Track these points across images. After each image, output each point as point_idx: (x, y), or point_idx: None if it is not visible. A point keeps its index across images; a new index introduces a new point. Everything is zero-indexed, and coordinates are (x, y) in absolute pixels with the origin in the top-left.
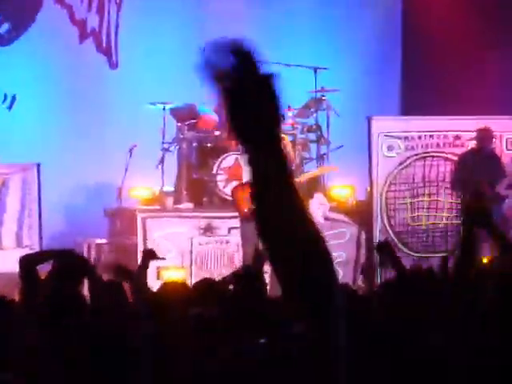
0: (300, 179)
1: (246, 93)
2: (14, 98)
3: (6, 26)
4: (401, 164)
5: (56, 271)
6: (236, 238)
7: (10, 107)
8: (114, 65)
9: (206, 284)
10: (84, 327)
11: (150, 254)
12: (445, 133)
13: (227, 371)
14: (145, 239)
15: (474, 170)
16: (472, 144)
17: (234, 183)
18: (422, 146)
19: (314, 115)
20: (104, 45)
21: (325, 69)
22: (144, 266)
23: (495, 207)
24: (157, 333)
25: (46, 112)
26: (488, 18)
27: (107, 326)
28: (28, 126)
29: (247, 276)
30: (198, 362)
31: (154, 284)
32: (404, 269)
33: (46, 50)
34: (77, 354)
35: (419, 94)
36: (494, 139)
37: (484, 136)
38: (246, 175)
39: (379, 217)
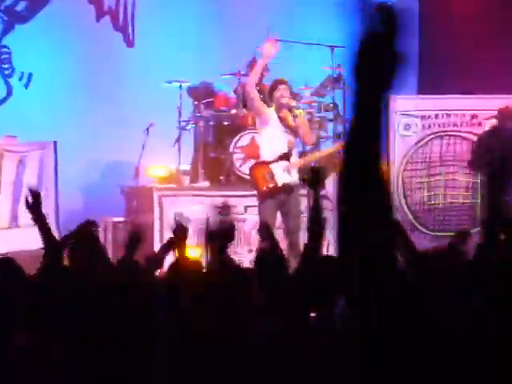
0: (317, 155)
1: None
2: (30, 76)
3: (22, 4)
4: (417, 143)
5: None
6: (252, 216)
7: (26, 85)
8: (130, 43)
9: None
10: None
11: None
12: (462, 112)
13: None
14: (161, 217)
15: (494, 151)
16: (491, 123)
17: (251, 161)
18: (438, 125)
19: (331, 94)
20: (121, 23)
21: (342, 47)
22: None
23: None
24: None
25: (62, 90)
26: None
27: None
28: (45, 104)
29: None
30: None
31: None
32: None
33: (63, 28)
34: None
35: (436, 73)
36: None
37: (505, 115)
38: (264, 153)
39: (396, 195)
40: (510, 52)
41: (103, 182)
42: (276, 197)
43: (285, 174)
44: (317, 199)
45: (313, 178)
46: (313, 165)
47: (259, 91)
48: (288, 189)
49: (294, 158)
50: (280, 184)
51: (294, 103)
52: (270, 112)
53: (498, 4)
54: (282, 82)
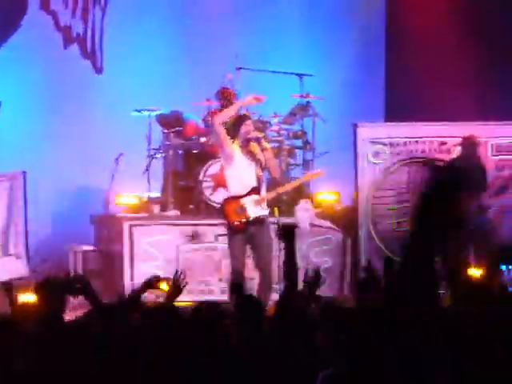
0: (286, 187)
1: None
2: None
3: None
4: (386, 170)
5: None
6: (223, 245)
7: None
8: (99, 70)
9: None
10: None
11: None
12: (430, 138)
13: None
14: (131, 246)
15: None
16: (457, 150)
17: (221, 190)
18: (407, 152)
19: (300, 122)
20: (89, 50)
21: (310, 75)
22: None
23: (480, 219)
24: None
25: (31, 118)
26: (472, 25)
27: None
28: (14, 132)
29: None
30: None
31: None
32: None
33: (31, 56)
34: None
35: (404, 101)
36: (479, 146)
37: (469, 144)
38: (233, 188)
39: (365, 223)
40: (479, 81)
41: (73, 210)
42: (247, 230)
43: (256, 208)
44: (290, 254)
45: (285, 233)
46: (283, 196)
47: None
48: (259, 222)
49: (264, 191)
50: (251, 218)
51: (261, 135)
52: (235, 147)
53: (463, 34)
54: (247, 117)
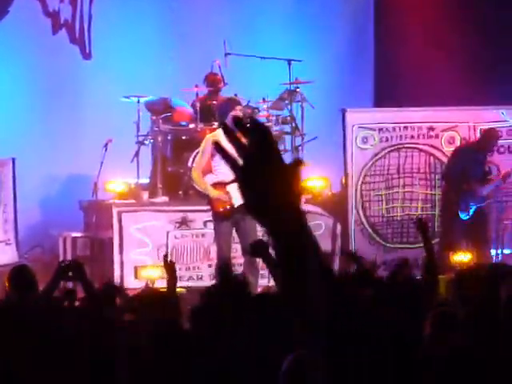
0: None
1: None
2: None
3: None
4: (375, 155)
5: None
6: (212, 231)
7: None
8: (87, 55)
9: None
10: None
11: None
12: (419, 124)
13: None
14: (120, 233)
15: (471, 169)
16: (449, 135)
17: (209, 176)
18: (396, 138)
19: (289, 107)
20: (77, 36)
21: (299, 61)
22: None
23: (478, 206)
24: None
25: (19, 104)
26: (462, 7)
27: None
28: (1, 118)
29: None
30: None
31: (132, 283)
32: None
33: (19, 42)
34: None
35: (393, 86)
36: (497, 141)
37: (490, 137)
38: (219, 175)
39: (354, 208)
40: (467, 65)
41: (62, 197)
42: (232, 217)
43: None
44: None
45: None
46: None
47: (213, 105)
48: (243, 209)
49: None
50: (236, 205)
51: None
52: (216, 139)
53: (453, 17)
54: (236, 102)
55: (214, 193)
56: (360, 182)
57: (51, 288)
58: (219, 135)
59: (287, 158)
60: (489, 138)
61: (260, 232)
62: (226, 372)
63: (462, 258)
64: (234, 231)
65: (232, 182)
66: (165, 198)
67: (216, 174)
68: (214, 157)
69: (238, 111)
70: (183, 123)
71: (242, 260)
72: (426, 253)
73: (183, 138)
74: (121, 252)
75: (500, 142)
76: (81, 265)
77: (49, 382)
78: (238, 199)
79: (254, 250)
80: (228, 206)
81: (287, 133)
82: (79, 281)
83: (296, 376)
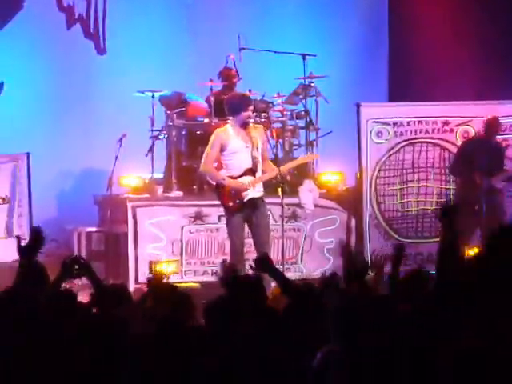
0: (282, 169)
1: None
2: (1, 86)
3: None
4: (390, 150)
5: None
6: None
7: None
8: (102, 50)
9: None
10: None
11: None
12: (433, 118)
13: None
14: (135, 228)
15: (475, 159)
16: (464, 129)
17: (224, 170)
18: (410, 132)
19: (303, 102)
20: (92, 31)
21: (313, 56)
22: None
23: (487, 198)
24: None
25: (34, 99)
26: (475, 5)
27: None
28: (16, 113)
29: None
30: None
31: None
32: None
33: (34, 36)
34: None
35: (407, 80)
36: (501, 129)
37: (492, 125)
38: (229, 169)
39: (369, 203)
40: (481, 59)
41: (76, 191)
42: (243, 211)
43: (250, 189)
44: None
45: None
46: (282, 177)
47: (221, 100)
48: (253, 203)
49: (259, 173)
50: (245, 199)
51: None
52: (227, 135)
53: (467, 12)
54: (250, 102)
55: (230, 182)
56: (374, 177)
57: (55, 285)
58: (228, 130)
59: (301, 153)
60: (489, 126)
61: (272, 226)
62: (232, 371)
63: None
64: (246, 226)
65: (243, 175)
66: (179, 193)
67: (227, 169)
68: (223, 151)
69: (250, 112)
70: (198, 118)
71: (255, 255)
72: (443, 245)
73: (198, 132)
74: (135, 247)
75: None
76: (84, 260)
77: (48, 381)
78: (247, 194)
79: (257, 264)
80: (237, 201)
81: (302, 127)
82: (86, 276)
83: (324, 374)
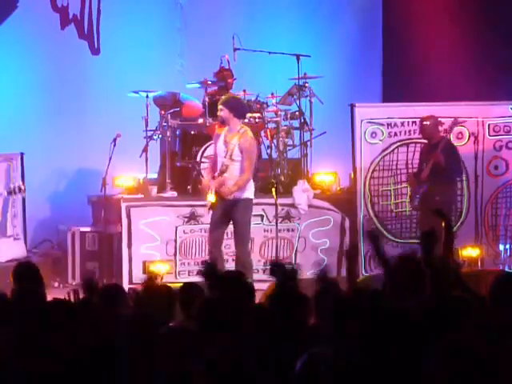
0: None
1: None
2: None
3: None
4: (384, 150)
5: None
6: None
7: None
8: (96, 51)
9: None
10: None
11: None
12: None
13: None
14: (129, 228)
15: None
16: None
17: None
18: (404, 133)
19: (297, 102)
20: (86, 31)
21: (307, 56)
22: None
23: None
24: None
25: (28, 99)
26: (471, 3)
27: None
28: (10, 113)
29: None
30: None
31: (140, 278)
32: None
33: (28, 36)
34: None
35: (401, 81)
36: (439, 126)
37: (425, 125)
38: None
39: (363, 203)
40: (475, 60)
41: (70, 191)
42: (219, 207)
43: (209, 193)
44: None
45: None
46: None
47: (216, 100)
48: (212, 207)
49: (218, 179)
50: (208, 200)
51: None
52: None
53: (461, 15)
54: (248, 110)
55: (203, 180)
56: (368, 177)
57: None
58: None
59: (295, 153)
60: (423, 126)
61: (266, 227)
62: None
63: (471, 253)
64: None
65: (219, 175)
66: (173, 193)
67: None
68: (215, 145)
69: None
70: (193, 118)
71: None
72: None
73: (192, 132)
74: (129, 247)
75: (508, 137)
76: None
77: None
78: (211, 196)
79: (271, 270)
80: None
81: (296, 128)
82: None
83: (310, 375)
